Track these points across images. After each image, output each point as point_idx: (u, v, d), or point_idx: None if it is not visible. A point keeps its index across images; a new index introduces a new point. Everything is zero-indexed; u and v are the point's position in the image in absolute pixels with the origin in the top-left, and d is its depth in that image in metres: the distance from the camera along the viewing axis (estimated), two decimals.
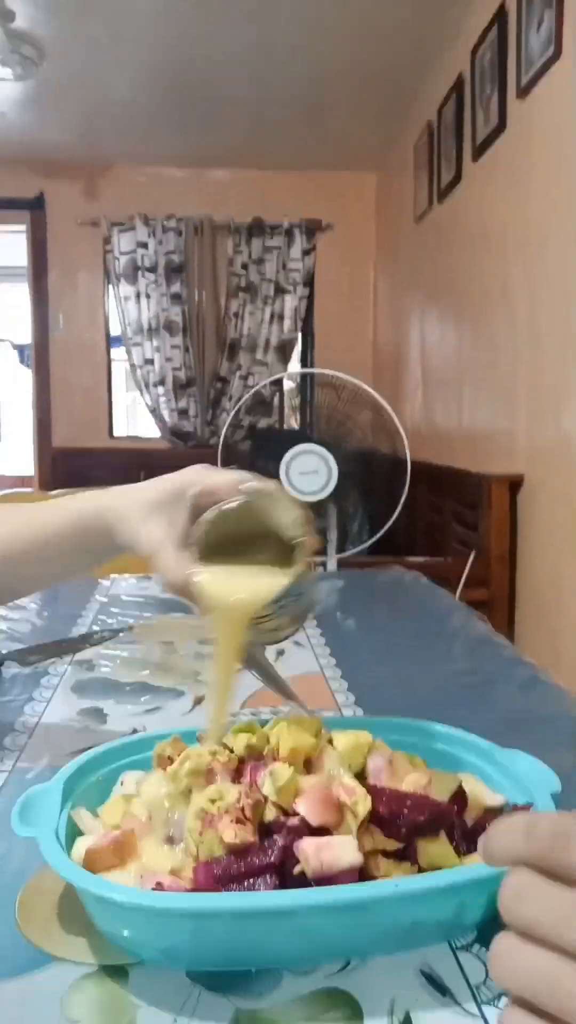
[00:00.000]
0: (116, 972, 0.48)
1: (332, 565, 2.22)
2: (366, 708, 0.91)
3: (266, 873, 0.48)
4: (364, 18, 2.91)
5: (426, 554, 3.30)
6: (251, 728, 0.61)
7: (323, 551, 2.21)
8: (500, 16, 2.52)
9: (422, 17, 2.90)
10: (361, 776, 0.57)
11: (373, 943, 0.49)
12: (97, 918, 0.50)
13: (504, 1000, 0.31)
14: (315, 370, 2.21)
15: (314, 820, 0.50)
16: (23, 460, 5.84)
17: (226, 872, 0.48)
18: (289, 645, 1.16)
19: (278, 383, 4.66)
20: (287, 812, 0.52)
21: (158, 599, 1.45)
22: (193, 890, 0.49)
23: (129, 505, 0.66)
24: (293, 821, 0.50)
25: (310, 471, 2.02)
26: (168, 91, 3.55)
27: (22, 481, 5.85)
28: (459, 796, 0.55)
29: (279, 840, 0.49)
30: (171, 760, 0.58)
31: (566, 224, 2.12)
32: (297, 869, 0.48)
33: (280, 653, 1.12)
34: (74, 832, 0.55)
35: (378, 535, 2.28)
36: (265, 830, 0.51)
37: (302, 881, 0.48)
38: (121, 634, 1.20)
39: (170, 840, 0.53)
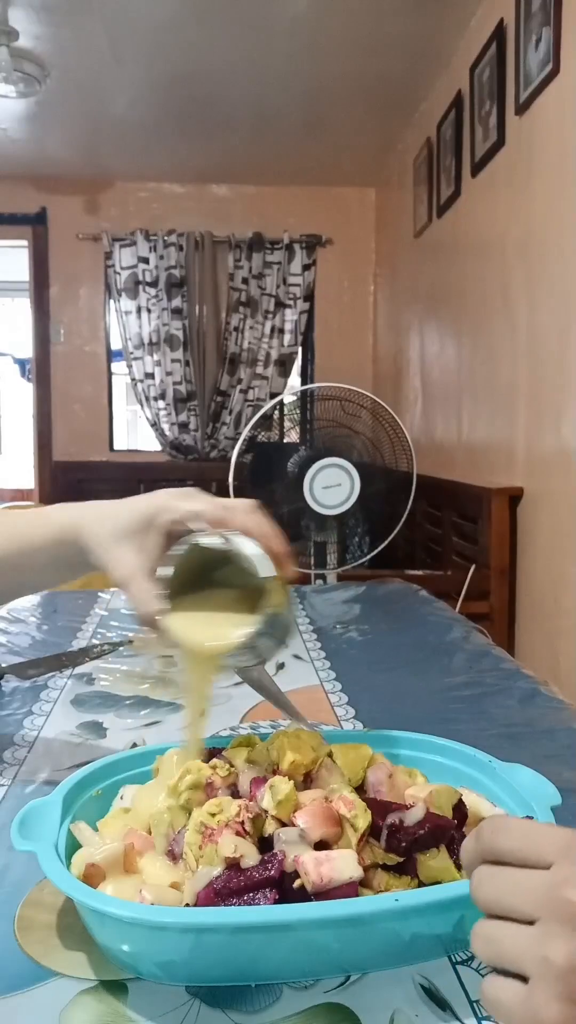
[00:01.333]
0: (115, 987, 0.48)
1: (332, 578, 2.22)
2: (366, 721, 0.91)
3: (266, 887, 0.48)
4: (364, 35, 2.94)
5: (426, 567, 3.30)
6: (250, 742, 0.61)
7: (323, 564, 2.21)
8: (499, 33, 2.54)
9: (421, 34, 2.93)
10: (361, 789, 0.57)
11: (373, 957, 0.49)
12: (96, 933, 0.50)
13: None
14: (340, 384, 2.22)
15: (313, 834, 0.50)
16: (24, 473, 5.85)
17: (225, 886, 0.48)
18: (289, 658, 1.16)
19: (280, 399, 4.67)
20: (286, 826, 0.52)
21: None
22: (192, 905, 0.48)
23: (101, 531, 0.65)
24: (292, 835, 0.50)
25: (333, 485, 2.03)
26: (169, 107, 3.57)
27: (23, 494, 5.86)
28: (460, 810, 0.55)
29: (279, 854, 0.49)
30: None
31: (565, 239, 2.13)
32: (297, 883, 0.48)
33: (280, 667, 1.12)
34: (74, 846, 0.55)
35: (379, 548, 2.28)
36: (265, 844, 0.51)
37: (302, 895, 0.48)
38: (120, 648, 1.20)
39: (171, 854, 0.53)
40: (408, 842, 0.51)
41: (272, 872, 0.48)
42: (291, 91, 3.42)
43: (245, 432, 2.47)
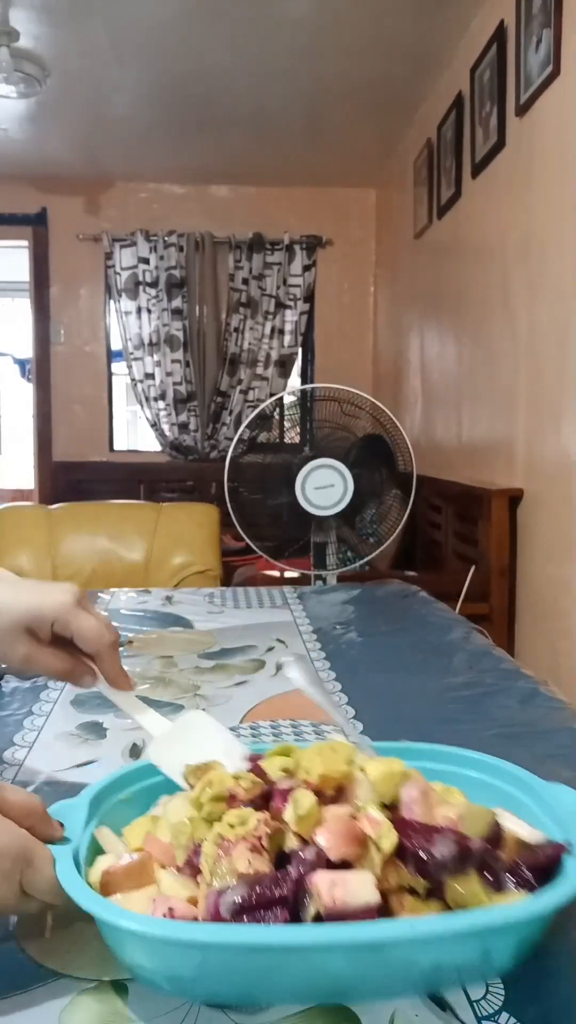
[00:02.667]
0: (115, 988, 0.48)
1: (332, 579, 2.22)
2: (366, 721, 0.91)
3: (276, 906, 0.45)
4: (365, 36, 2.94)
5: (426, 568, 3.30)
6: (288, 751, 0.58)
7: (323, 565, 2.21)
8: (499, 34, 2.54)
9: (422, 35, 2.93)
10: (395, 807, 0.54)
11: (386, 985, 0.47)
12: (109, 942, 0.48)
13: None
14: (338, 386, 2.22)
15: (333, 853, 0.48)
16: (24, 473, 5.85)
17: (237, 903, 0.46)
18: (289, 658, 1.16)
19: (277, 397, 4.67)
20: (307, 842, 0.49)
21: (157, 613, 1.45)
22: (204, 921, 0.46)
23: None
24: (309, 853, 0.48)
25: (325, 485, 2.03)
26: (170, 108, 3.57)
27: (22, 494, 5.86)
28: (494, 833, 0.51)
29: (292, 872, 0.47)
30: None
31: (565, 240, 2.13)
32: (312, 907, 0.45)
33: (280, 667, 1.12)
34: (98, 850, 0.54)
35: (379, 549, 2.28)
36: (283, 860, 0.49)
37: (317, 915, 0.45)
38: (121, 648, 1.20)
39: (189, 865, 0.51)
40: (435, 866, 0.48)
41: (284, 891, 0.46)
42: (291, 92, 3.42)
43: (240, 432, 2.46)
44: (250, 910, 0.45)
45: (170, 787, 0.60)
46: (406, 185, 3.87)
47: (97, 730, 0.88)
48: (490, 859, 0.49)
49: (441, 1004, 0.46)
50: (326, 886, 0.45)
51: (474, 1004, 0.46)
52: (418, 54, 3.07)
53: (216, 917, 0.45)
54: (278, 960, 0.45)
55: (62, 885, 0.48)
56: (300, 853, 0.48)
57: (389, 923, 0.45)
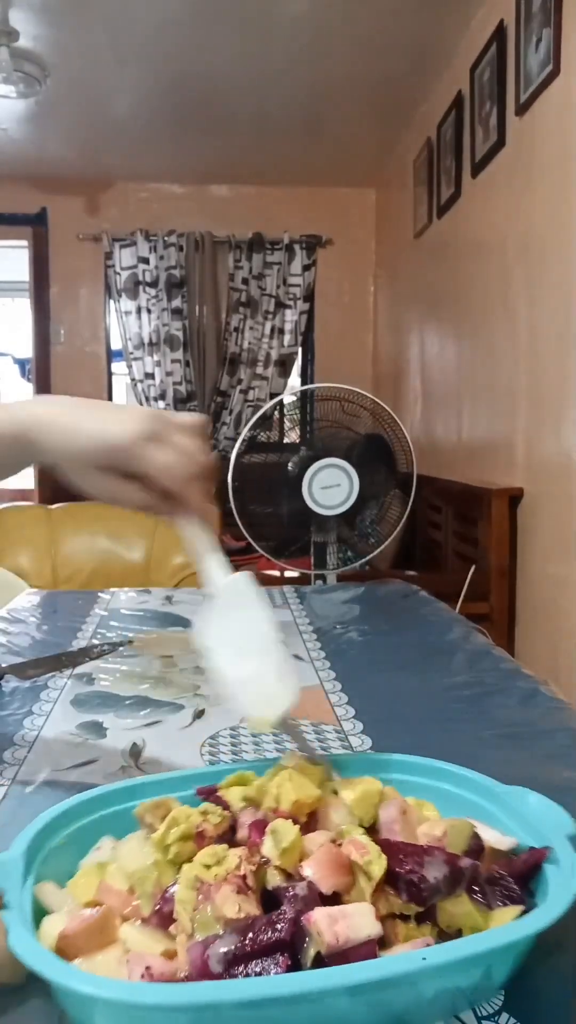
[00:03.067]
0: None
1: (332, 578, 2.22)
2: (366, 721, 0.91)
3: (276, 951, 0.41)
4: (364, 35, 2.94)
5: (426, 567, 3.30)
6: (245, 780, 0.55)
7: (323, 564, 2.21)
8: (499, 34, 2.54)
9: (422, 35, 2.93)
10: (373, 829, 0.52)
11: (395, 1018, 0.44)
12: (82, 1017, 0.42)
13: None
14: (339, 385, 2.21)
15: (324, 886, 0.44)
16: (23, 473, 5.84)
17: (230, 953, 0.41)
18: (289, 658, 1.16)
19: (279, 399, 4.67)
20: (292, 876, 0.46)
21: (158, 613, 1.45)
22: (189, 977, 0.41)
23: (65, 456, 0.61)
24: (301, 888, 0.44)
25: (331, 485, 2.03)
26: (170, 108, 3.57)
27: (22, 494, 5.85)
28: (477, 845, 0.50)
29: (288, 912, 0.42)
30: (153, 827, 0.50)
31: (565, 240, 2.13)
32: (312, 948, 0.41)
33: None
34: (40, 910, 0.47)
35: (379, 549, 2.28)
36: (267, 898, 0.45)
37: (317, 956, 0.41)
38: (121, 648, 1.20)
39: (158, 915, 0.45)
40: (430, 891, 0.45)
41: (282, 933, 0.41)
42: (291, 92, 3.42)
43: (244, 432, 2.46)
44: (245, 959, 0.41)
45: (109, 825, 0.54)
46: (406, 185, 3.87)
47: (97, 730, 0.88)
48: (478, 876, 0.47)
49: None
50: (326, 923, 0.41)
51: (474, 1005, 0.46)
52: (418, 53, 3.07)
53: (203, 971, 0.40)
54: (285, 1012, 0.41)
55: (21, 959, 0.41)
56: (291, 890, 0.44)
57: (402, 958, 0.42)
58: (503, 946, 0.43)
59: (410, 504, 2.19)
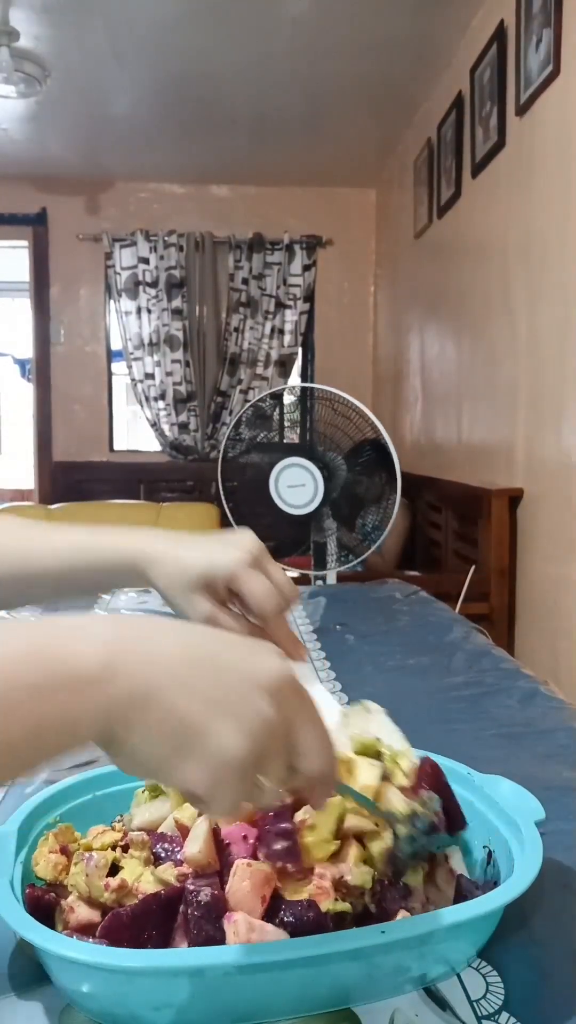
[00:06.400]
0: None
1: (331, 578, 2.22)
2: None
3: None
4: (364, 36, 2.94)
5: (426, 568, 3.29)
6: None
7: (323, 564, 2.21)
8: (499, 34, 2.54)
9: (422, 35, 2.93)
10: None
11: (372, 986, 0.48)
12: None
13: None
14: (315, 385, 2.22)
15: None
16: (24, 473, 5.84)
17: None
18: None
19: (278, 398, 4.67)
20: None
21: (158, 613, 1.45)
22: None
23: (171, 578, 0.66)
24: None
25: (298, 484, 2.01)
26: (170, 108, 3.57)
27: (22, 494, 5.85)
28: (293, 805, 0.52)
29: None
30: (64, 851, 0.55)
31: (565, 240, 2.13)
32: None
33: None
34: (29, 879, 0.53)
35: (373, 548, 2.28)
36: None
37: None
38: None
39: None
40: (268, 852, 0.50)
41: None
42: (291, 92, 3.42)
43: (228, 432, 2.44)
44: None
45: (100, 805, 0.60)
46: (406, 185, 3.87)
47: None
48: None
49: (441, 1003, 0.46)
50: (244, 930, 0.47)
51: (474, 1004, 0.46)
52: (418, 54, 3.07)
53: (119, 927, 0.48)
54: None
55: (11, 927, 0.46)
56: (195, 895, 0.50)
57: (364, 932, 0.46)
58: (472, 919, 0.47)
59: (396, 506, 2.18)
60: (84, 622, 0.39)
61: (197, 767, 0.37)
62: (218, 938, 0.46)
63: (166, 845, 0.54)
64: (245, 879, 0.48)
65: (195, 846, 0.50)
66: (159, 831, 0.56)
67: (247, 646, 0.42)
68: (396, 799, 0.52)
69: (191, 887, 0.48)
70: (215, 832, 0.51)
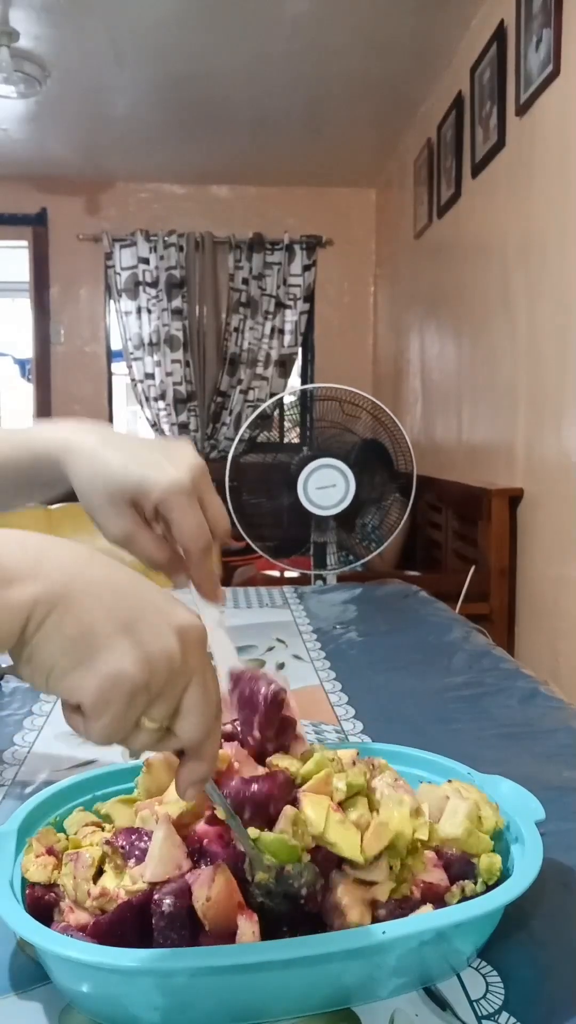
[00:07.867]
0: None
1: (332, 579, 2.22)
2: (365, 721, 0.91)
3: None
4: (364, 36, 2.94)
5: (426, 568, 3.29)
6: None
7: (323, 565, 2.21)
8: (499, 34, 2.54)
9: (422, 35, 2.93)
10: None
11: (364, 984, 0.47)
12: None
13: None
14: (338, 385, 2.22)
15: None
16: None
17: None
18: (289, 658, 1.16)
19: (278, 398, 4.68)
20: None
21: None
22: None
23: (90, 484, 0.60)
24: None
25: (327, 485, 2.02)
26: (170, 108, 3.57)
27: None
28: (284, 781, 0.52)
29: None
30: (52, 852, 0.54)
31: (565, 240, 2.13)
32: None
33: (280, 666, 1.12)
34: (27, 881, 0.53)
35: (379, 550, 2.28)
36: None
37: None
38: None
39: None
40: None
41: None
42: (292, 92, 3.42)
43: (242, 431, 2.46)
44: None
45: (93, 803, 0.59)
46: (406, 185, 3.87)
47: None
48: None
49: (441, 1004, 0.46)
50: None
51: (474, 1004, 0.46)
52: (418, 54, 3.07)
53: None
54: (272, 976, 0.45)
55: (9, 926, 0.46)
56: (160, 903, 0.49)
57: (364, 932, 0.46)
58: (472, 919, 0.47)
59: (409, 507, 2.19)
60: (19, 533, 0.40)
61: (89, 677, 0.37)
62: (183, 945, 0.46)
63: (141, 844, 0.52)
64: (215, 890, 0.47)
65: (151, 868, 0.49)
66: (135, 826, 0.54)
67: (169, 596, 0.42)
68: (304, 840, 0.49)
69: (156, 896, 0.47)
70: (185, 833, 0.51)
